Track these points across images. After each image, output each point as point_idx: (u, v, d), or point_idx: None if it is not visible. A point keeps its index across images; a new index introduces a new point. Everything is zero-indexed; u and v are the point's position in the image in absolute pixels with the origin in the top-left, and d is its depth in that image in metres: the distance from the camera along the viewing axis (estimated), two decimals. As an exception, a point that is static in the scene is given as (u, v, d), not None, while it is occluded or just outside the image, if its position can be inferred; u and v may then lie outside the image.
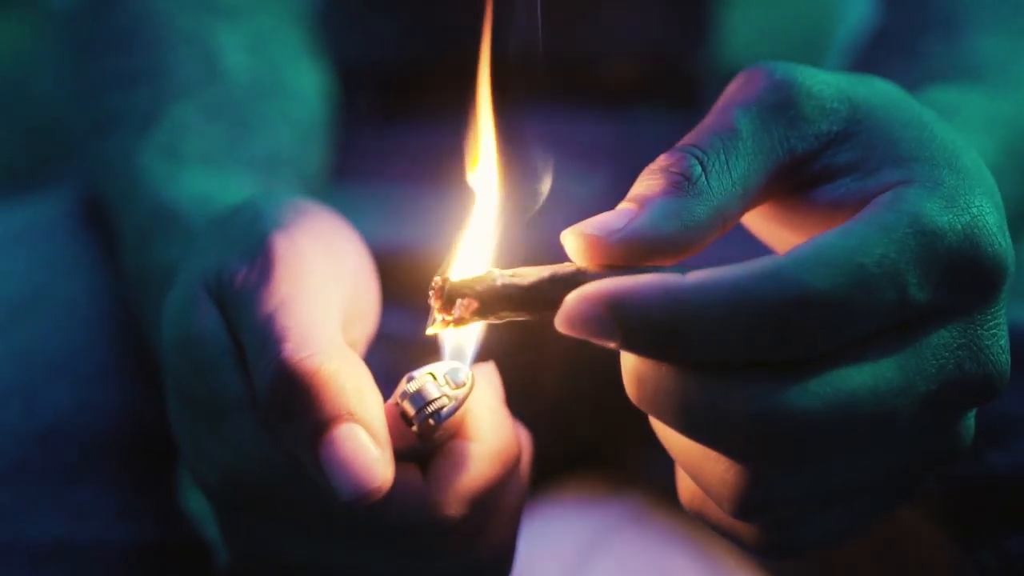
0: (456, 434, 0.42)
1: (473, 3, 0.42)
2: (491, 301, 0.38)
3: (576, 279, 0.37)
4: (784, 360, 0.34)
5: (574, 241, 0.38)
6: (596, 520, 0.65)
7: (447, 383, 0.40)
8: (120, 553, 0.53)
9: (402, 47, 0.79)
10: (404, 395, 0.40)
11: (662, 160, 0.38)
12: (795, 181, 0.39)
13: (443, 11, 0.77)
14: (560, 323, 0.35)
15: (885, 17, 0.69)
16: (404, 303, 0.59)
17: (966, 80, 0.56)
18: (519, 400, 0.46)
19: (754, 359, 0.34)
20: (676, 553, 0.62)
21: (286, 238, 0.43)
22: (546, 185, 0.42)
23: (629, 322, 0.34)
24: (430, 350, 0.43)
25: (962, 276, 0.35)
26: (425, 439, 0.40)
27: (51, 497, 0.53)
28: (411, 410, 0.40)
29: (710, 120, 0.39)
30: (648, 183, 0.38)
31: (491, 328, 0.43)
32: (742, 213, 0.39)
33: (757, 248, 0.41)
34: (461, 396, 0.40)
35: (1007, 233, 0.36)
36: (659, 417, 0.36)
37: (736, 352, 0.33)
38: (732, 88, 0.40)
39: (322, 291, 0.42)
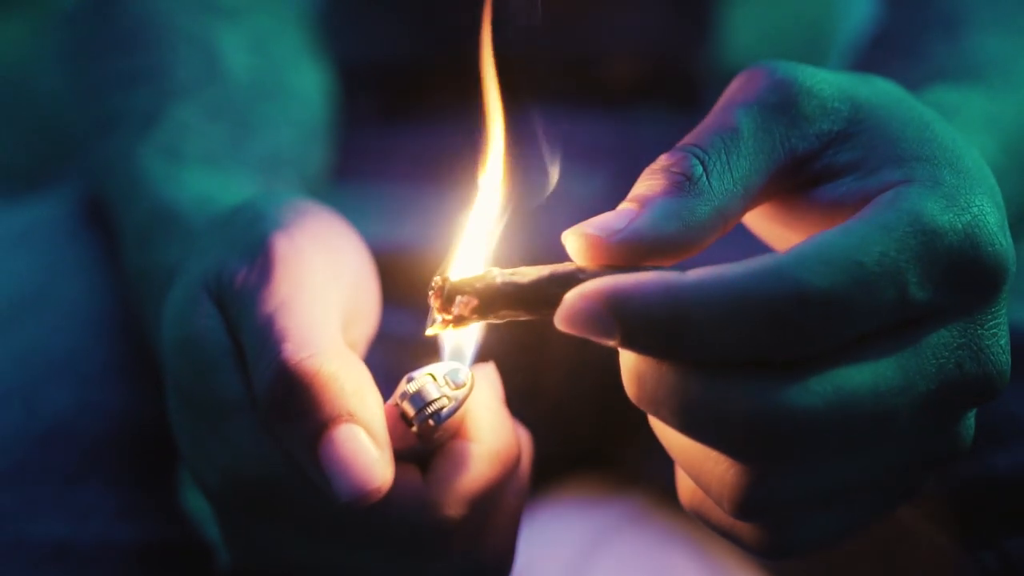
0: (456, 435, 0.42)
1: (473, 3, 0.42)
2: (491, 299, 0.38)
3: (576, 278, 0.37)
4: (784, 359, 0.34)
5: (575, 241, 0.38)
6: (596, 520, 0.65)
7: (447, 384, 0.40)
8: (121, 553, 0.53)
9: (403, 47, 0.79)
10: (404, 396, 0.40)
11: (663, 160, 0.38)
12: (796, 180, 0.39)
13: (444, 11, 0.77)
14: (560, 321, 0.35)
15: (886, 17, 0.69)
16: (404, 303, 0.59)
17: (967, 80, 0.56)
18: (519, 401, 0.46)
19: (754, 357, 0.34)
20: (676, 553, 0.62)
21: (286, 238, 0.43)
22: (551, 183, 0.42)
23: (629, 319, 0.34)
24: (430, 350, 0.43)
25: (962, 275, 0.35)
26: (425, 440, 0.40)
27: (52, 497, 0.53)
28: (411, 411, 0.40)
29: (711, 120, 0.39)
30: (649, 183, 0.38)
31: (491, 329, 0.43)
32: (743, 213, 0.39)
33: (758, 248, 0.41)
34: (461, 397, 0.40)
35: (1008, 233, 0.36)
36: (659, 416, 0.36)
37: (736, 350, 0.33)
38: (733, 88, 0.40)
39: (322, 292, 0.42)
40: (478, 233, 0.42)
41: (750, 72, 0.40)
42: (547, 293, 0.37)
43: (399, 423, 0.40)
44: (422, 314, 0.41)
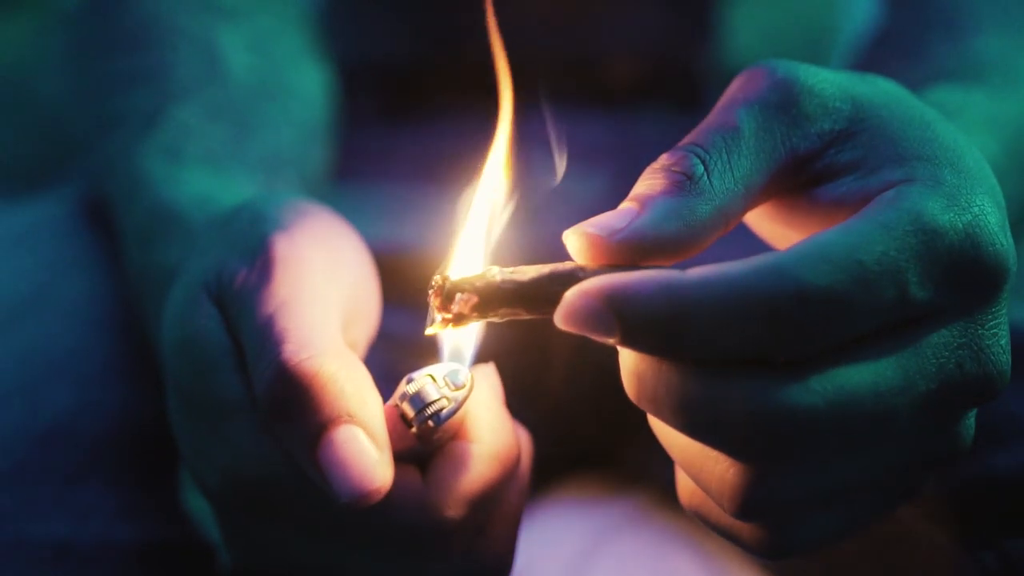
0: (456, 436, 0.42)
1: (474, 3, 0.42)
2: (491, 297, 0.38)
3: (576, 276, 0.37)
4: (784, 358, 0.34)
5: (576, 240, 0.38)
6: (596, 520, 0.65)
7: (446, 385, 0.40)
8: (122, 553, 0.53)
9: (403, 47, 0.79)
10: (403, 397, 0.40)
11: (664, 159, 0.38)
12: (797, 180, 0.39)
13: (445, 11, 0.77)
14: (559, 318, 0.35)
15: (888, 17, 0.69)
16: (404, 303, 0.59)
17: (969, 80, 0.56)
18: (519, 401, 0.46)
19: (754, 356, 0.34)
20: (676, 553, 0.62)
21: (286, 239, 0.43)
22: (555, 181, 0.42)
23: (628, 317, 0.34)
24: (430, 350, 0.43)
25: (963, 275, 0.35)
26: (424, 441, 0.40)
27: (53, 497, 0.53)
28: (410, 412, 0.40)
29: (712, 119, 0.39)
30: (650, 182, 0.38)
31: (491, 329, 0.43)
32: (744, 212, 0.39)
33: (758, 247, 0.41)
34: (460, 398, 0.40)
35: (1009, 233, 0.36)
36: (658, 415, 0.36)
37: (736, 348, 0.33)
38: (734, 87, 0.40)
39: (322, 292, 0.42)
40: (478, 232, 0.42)
41: (751, 71, 0.40)
42: (547, 291, 0.37)
43: (399, 424, 0.40)
44: (422, 314, 0.41)
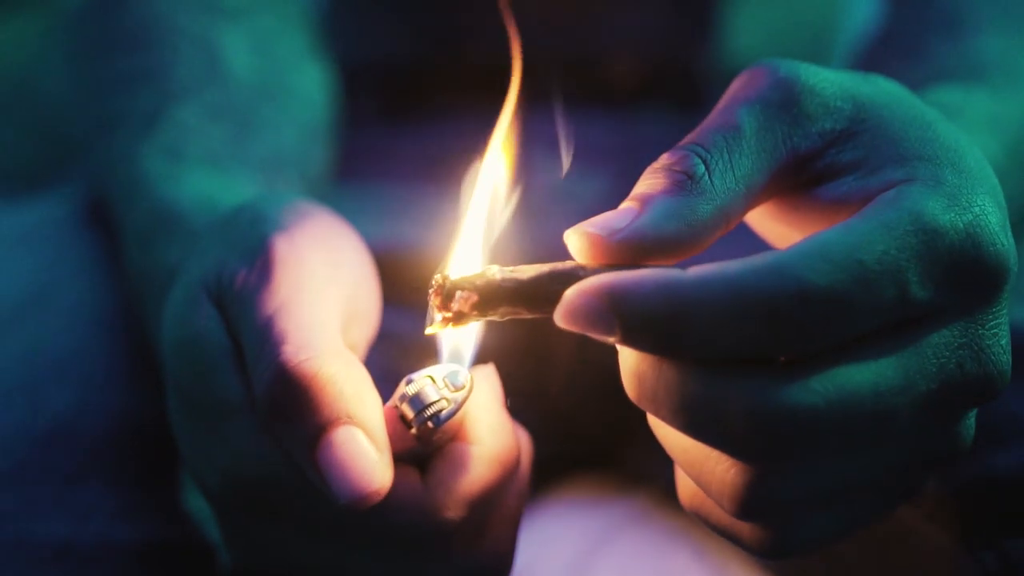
0: (455, 437, 0.42)
1: (475, 3, 0.42)
2: (491, 296, 0.38)
3: (576, 275, 0.37)
4: (785, 357, 0.34)
5: (576, 240, 0.37)
6: (597, 521, 0.65)
7: (446, 386, 0.40)
8: (121, 553, 0.53)
9: (404, 47, 0.79)
10: (403, 398, 0.40)
11: (665, 158, 0.38)
12: (798, 179, 0.39)
13: (446, 12, 0.77)
14: (559, 317, 0.35)
15: (890, 16, 0.69)
16: (404, 303, 0.59)
17: (970, 80, 0.56)
18: (519, 402, 0.46)
19: (754, 355, 0.34)
20: (677, 553, 0.62)
21: (286, 240, 0.43)
22: (558, 179, 0.42)
23: (628, 316, 0.33)
24: (430, 351, 0.43)
25: (963, 275, 0.35)
26: (424, 442, 0.40)
27: (53, 497, 0.53)
28: (410, 413, 0.40)
29: (713, 118, 0.39)
30: (651, 182, 0.38)
31: (491, 330, 0.42)
32: (745, 212, 0.39)
33: (759, 246, 0.41)
34: (460, 399, 0.40)
35: (1009, 233, 0.36)
36: (658, 415, 0.36)
37: (736, 347, 0.33)
38: (735, 86, 0.40)
39: (322, 293, 0.42)
40: (478, 231, 0.42)
41: (752, 71, 0.40)
42: (547, 290, 0.37)
43: (398, 425, 0.40)
44: (422, 314, 0.41)
